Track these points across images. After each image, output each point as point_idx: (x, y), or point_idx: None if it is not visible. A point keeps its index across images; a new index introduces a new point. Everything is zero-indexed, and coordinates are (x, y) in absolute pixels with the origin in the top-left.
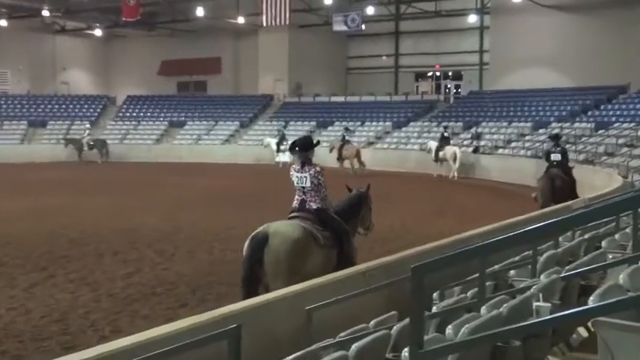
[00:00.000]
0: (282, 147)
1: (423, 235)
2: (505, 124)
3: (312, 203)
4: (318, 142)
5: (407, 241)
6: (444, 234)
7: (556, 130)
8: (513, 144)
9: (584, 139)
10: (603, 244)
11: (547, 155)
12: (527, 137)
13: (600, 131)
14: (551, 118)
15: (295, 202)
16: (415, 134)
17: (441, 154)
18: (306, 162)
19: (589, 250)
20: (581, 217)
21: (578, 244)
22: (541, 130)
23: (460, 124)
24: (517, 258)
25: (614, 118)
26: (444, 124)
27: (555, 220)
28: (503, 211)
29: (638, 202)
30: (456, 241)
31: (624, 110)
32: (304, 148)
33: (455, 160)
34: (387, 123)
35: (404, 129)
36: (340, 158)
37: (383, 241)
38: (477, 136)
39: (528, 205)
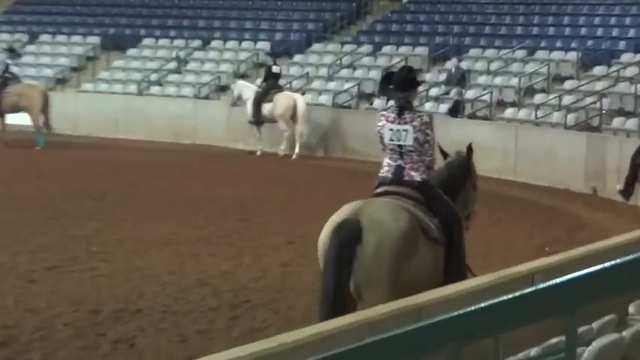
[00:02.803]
0: None
1: None
2: (521, 53)
3: (413, 172)
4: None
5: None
6: None
7: None
8: (538, 97)
9: None
10: None
11: None
12: (568, 84)
13: None
14: (621, 43)
15: (386, 168)
16: (325, 70)
17: (266, 108)
18: (405, 108)
19: None
20: None
21: None
22: (597, 70)
23: (422, 50)
24: (534, 352)
25: None
26: (270, 51)
27: (623, 261)
28: (515, 247)
29: None
30: (402, 312)
31: None
32: (403, 86)
33: (294, 118)
34: (266, 42)
35: (297, 58)
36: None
37: (253, 303)
38: (460, 79)
39: (570, 235)
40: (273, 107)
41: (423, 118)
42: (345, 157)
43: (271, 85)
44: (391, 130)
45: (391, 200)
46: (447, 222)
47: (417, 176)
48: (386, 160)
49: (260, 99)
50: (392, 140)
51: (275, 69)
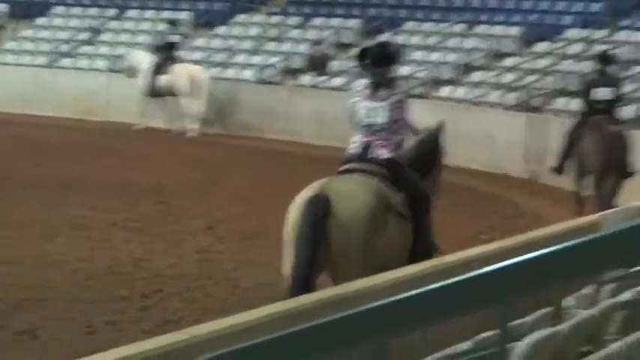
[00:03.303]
0: None
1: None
2: (460, 27)
3: (381, 149)
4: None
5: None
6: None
7: (604, 48)
8: (477, 75)
9: (638, 69)
10: None
11: (587, 90)
12: (508, 61)
13: None
14: (566, 18)
15: (355, 144)
16: (249, 43)
17: (162, 80)
18: (381, 84)
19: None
20: (615, 246)
21: (605, 314)
22: (540, 46)
23: (355, 22)
24: (466, 347)
25: None
26: (172, 18)
27: (558, 249)
28: (450, 236)
29: None
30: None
31: None
32: (382, 60)
33: (194, 92)
34: (187, 12)
35: (220, 29)
36: None
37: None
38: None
39: (507, 223)
40: (171, 79)
41: (399, 97)
42: (265, 136)
43: (168, 55)
44: (365, 108)
45: (355, 177)
46: (413, 198)
47: (384, 153)
48: (356, 137)
49: (155, 70)
50: (366, 117)
51: (172, 38)
